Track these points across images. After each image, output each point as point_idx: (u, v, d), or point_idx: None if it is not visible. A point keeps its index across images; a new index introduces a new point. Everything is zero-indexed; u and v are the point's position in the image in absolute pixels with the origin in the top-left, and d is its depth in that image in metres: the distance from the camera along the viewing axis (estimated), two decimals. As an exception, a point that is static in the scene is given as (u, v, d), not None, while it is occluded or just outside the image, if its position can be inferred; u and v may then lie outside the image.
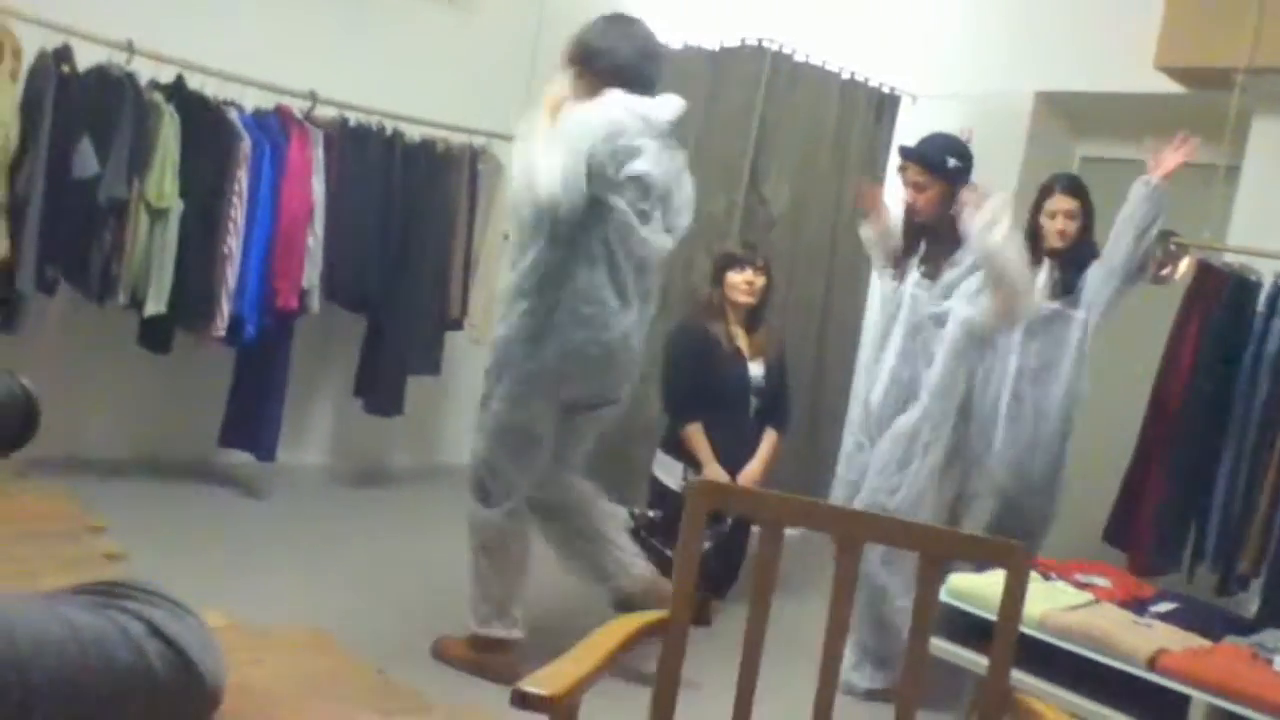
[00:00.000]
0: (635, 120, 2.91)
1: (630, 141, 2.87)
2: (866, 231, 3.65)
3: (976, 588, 2.81)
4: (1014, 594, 1.59)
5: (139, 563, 3.21)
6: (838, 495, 3.44)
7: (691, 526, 1.67)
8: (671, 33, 5.19)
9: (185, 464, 4.47)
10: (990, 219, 3.12)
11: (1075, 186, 3.85)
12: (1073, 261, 3.76)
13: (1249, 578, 3.72)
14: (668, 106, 3.01)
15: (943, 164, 3.29)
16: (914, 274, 3.35)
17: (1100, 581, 3.18)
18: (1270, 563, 3.59)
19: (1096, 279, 3.69)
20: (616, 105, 2.91)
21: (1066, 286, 3.73)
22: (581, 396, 3.05)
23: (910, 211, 3.39)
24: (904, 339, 3.32)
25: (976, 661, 2.75)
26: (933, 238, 3.34)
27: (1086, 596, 2.99)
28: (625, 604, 3.22)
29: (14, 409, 0.94)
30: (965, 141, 3.58)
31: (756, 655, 1.66)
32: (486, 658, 3.06)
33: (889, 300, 3.44)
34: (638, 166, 2.87)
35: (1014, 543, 1.58)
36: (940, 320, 3.25)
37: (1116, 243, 3.65)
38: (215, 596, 0.83)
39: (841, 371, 5.18)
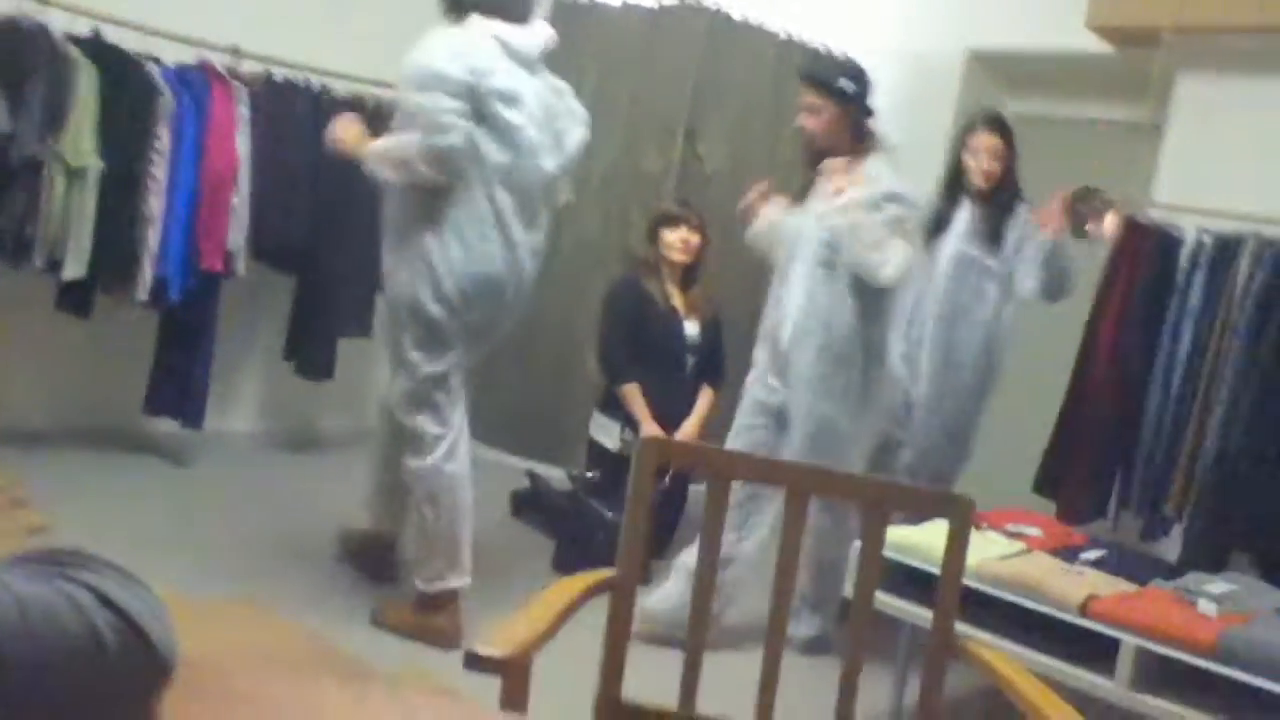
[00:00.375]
0: (491, 45, 2.84)
1: (484, 64, 2.81)
2: (755, 230, 3.45)
3: (913, 540, 2.85)
4: (957, 545, 1.61)
5: (64, 535, 3.14)
6: (738, 444, 3.28)
7: (641, 483, 1.66)
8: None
9: (110, 432, 4.35)
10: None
11: (999, 124, 3.74)
12: (997, 205, 3.65)
13: (1172, 523, 3.84)
14: (534, 34, 2.95)
15: (833, 85, 3.22)
16: (816, 205, 3.22)
17: (1031, 531, 3.24)
18: (1191, 508, 3.71)
19: (1020, 259, 3.60)
20: (469, 31, 2.86)
21: (989, 234, 3.62)
22: (480, 325, 2.99)
23: (807, 138, 3.29)
24: (806, 276, 3.22)
25: (916, 613, 2.80)
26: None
27: (1019, 546, 3.05)
28: (355, 540, 3.37)
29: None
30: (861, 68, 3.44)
31: (706, 606, 1.66)
32: (429, 619, 3.02)
33: (790, 234, 3.30)
34: (496, 84, 2.82)
35: (957, 494, 1.60)
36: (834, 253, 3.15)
37: (1023, 281, 3.58)
38: (147, 569, 0.81)
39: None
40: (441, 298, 2.87)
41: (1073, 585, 2.75)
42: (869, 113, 3.28)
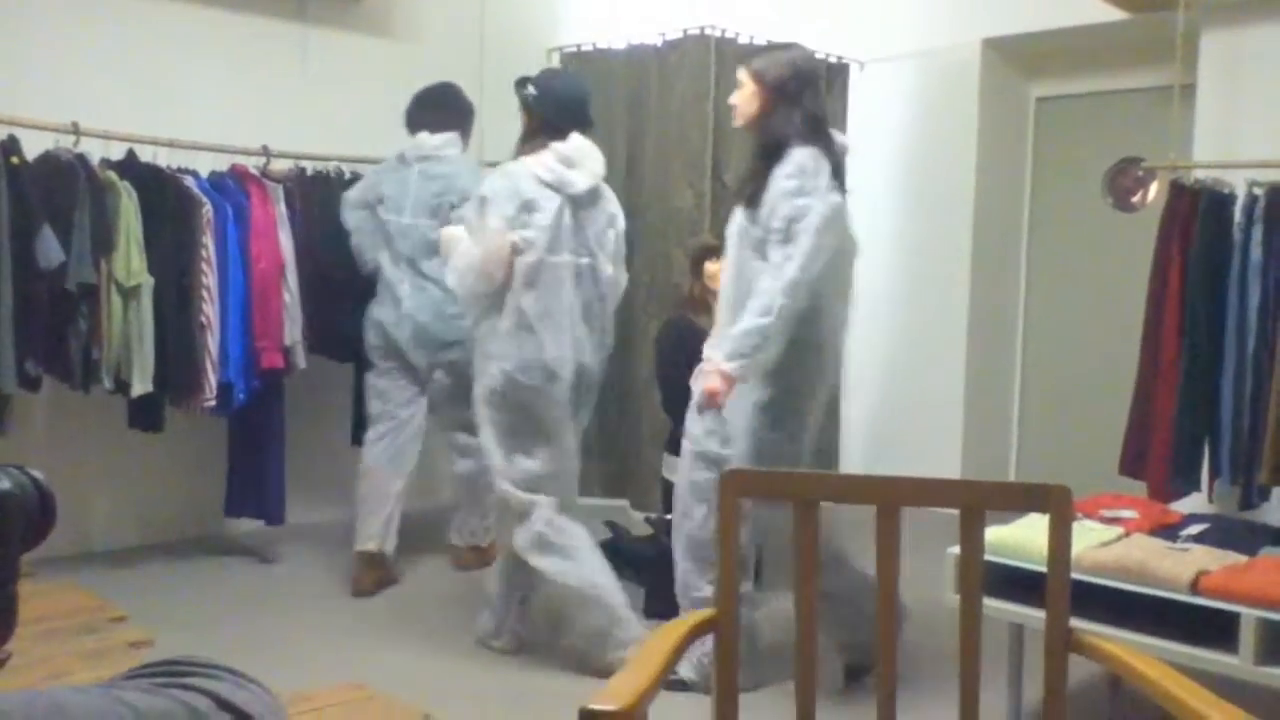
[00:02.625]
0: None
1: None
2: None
3: (1007, 539, 2.80)
4: (1060, 537, 1.57)
5: (165, 646, 3.17)
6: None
7: (727, 517, 1.64)
8: (615, 33, 5.19)
9: (195, 539, 4.42)
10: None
11: (747, 59, 3.15)
12: (759, 155, 3.05)
13: (1269, 487, 3.72)
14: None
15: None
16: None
17: (1127, 514, 3.16)
18: (1288, 469, 3.59)
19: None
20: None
21: (750, 196, 3.00)
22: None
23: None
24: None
25: (1020, 613, 2.74)
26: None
27: (1116, 531, 2.98)
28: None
29: (29, 502, 0.90)
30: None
31: (811, 638, 1.64)
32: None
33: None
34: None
35: (1053, 485, 1.56)
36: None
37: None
38: (247, 666, 0.82)
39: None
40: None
41: (1179, 564, 2.67)
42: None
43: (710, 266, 3.93)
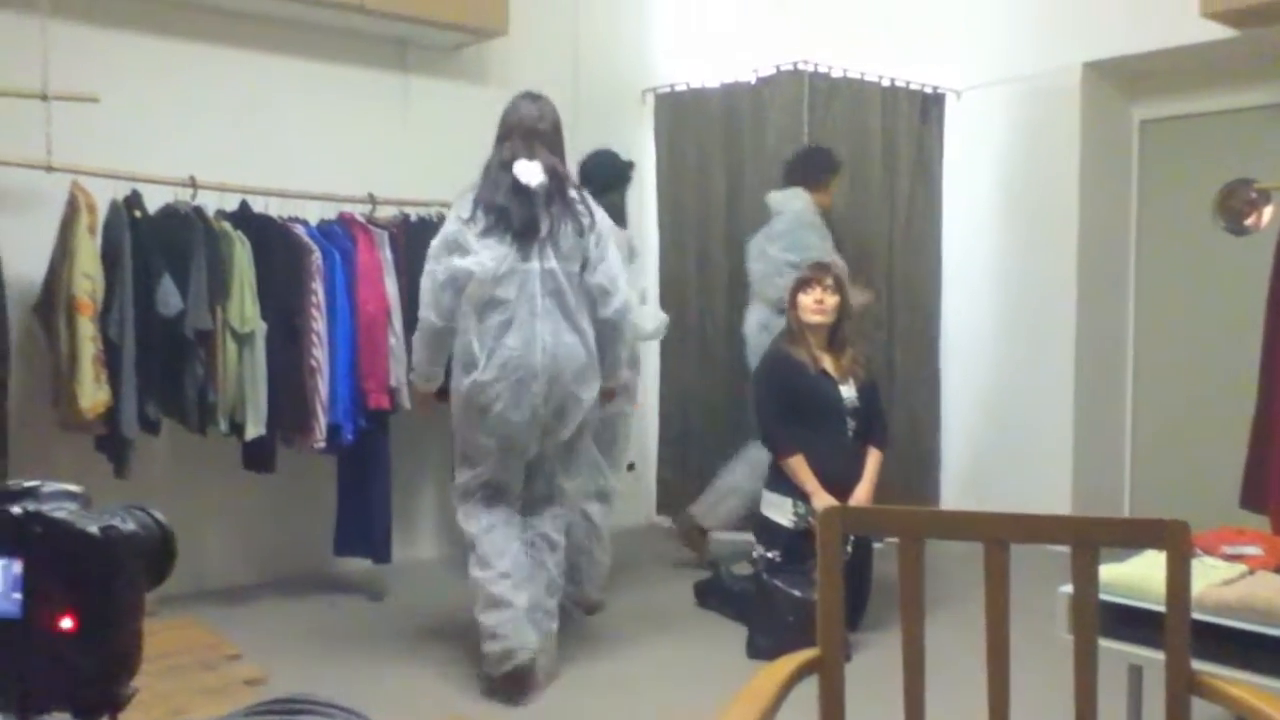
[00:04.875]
0: None
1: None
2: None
3: (1123, 576, 2.71)
4: (1179, 574, 1.52)
5: (279, 682, 3.26)
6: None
7: (829, 554, 1.63)
8: (707, 71, 5.24)
9: (306, 577, 4.52)
10: None
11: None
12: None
13: (1404, 519, 3.54)
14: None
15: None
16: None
17: (1250, 550, 3.03)
18: None
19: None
20: None
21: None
22: None
23: None
24: None
25: (1138, 653, 2.64)
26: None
27: (1240, 568, 2.85)
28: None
29: (153, 542, 0.95)
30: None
31: (920, 677, 1.60)
32: None
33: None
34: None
35: (1172, 520, 1.51)
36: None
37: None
38: (356, 703, 0.84)
39: (918, 370, 5.17)
40: None
41: (1308, 601, 2.55)
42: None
43: (802, 298, 3.92)
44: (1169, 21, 4.47)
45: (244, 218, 4.07)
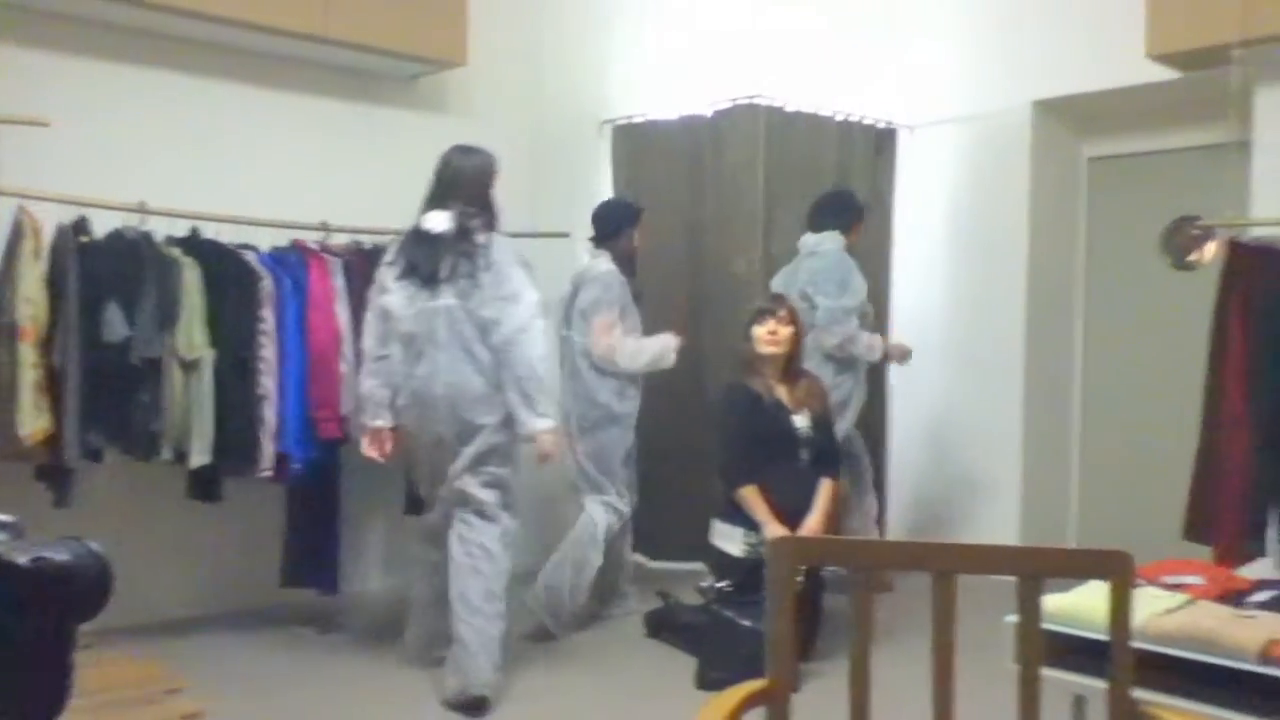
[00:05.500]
0: None
1: None
2: None
3: (1067, 606, 2.73)
4: (1122, 604, 1.53)
5: (220, 717, 3.19)
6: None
7: (780, 585, 1.63)
8: (665, 104, 5.28)
9: (252, 610, 4.45)
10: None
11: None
12: None
13: (1342, 551, 3.61)
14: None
15: None
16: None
17: (1192, 580, 3.07)
18: (1361, 532, 3.49)
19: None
20: None
21: None
22: None
23: None
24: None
25: (1081, 682, 2.66)
26: None
27: (1182, 598, 2.89)
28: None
29: (88, 573, 0.92)
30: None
31: (865, 703, 1.61)
32: None
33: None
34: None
35: (1116, 551, 1.53)
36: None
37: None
38: None
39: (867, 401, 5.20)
40: None
41: (1248, 631, 2.59)
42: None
43: (757, 329, 3.94)
44: (1117, 63, 4.57)
45: (194, 244, 4.03)
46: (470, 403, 3.53)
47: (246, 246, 4.16)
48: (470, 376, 3.52)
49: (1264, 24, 3.82)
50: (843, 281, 4.50)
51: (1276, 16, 3.81)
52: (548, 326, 3.73)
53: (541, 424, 3.53)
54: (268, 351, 4.01)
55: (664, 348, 4.38)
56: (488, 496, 3.59)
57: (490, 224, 3.62)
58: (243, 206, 4.24)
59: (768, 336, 3.91)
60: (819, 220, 4.64)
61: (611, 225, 4.44)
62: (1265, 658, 2.50)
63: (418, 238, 3.63)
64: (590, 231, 4.51)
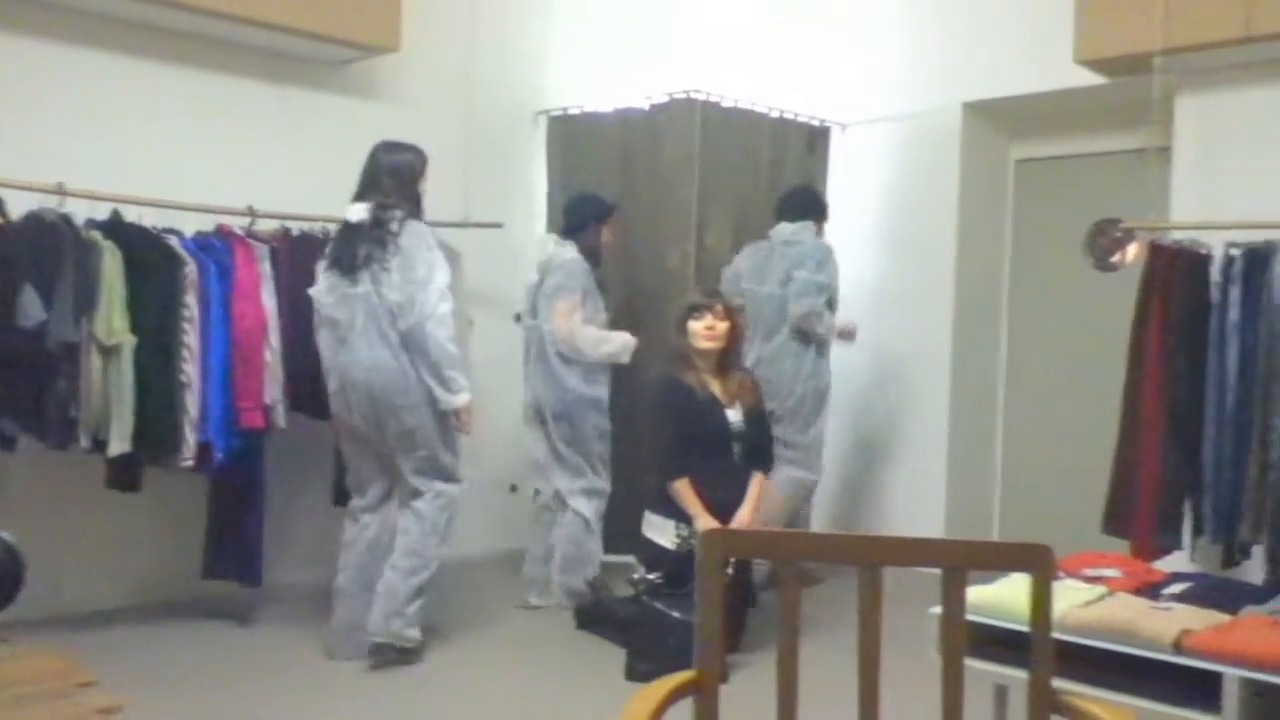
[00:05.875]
0: None
1: None
2: None
3: (990, 598, 2.78)
4: (1042, 596, 1.56)
5: (137, 712, 3.11)
6: None
7: (709, 577, 1.63)
8: (601, 97, 5.26)
9: (172, 602, 4.36)
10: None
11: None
12: None
13: (1250, 545, 3.72)
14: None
15: None
16: None
17: (1110, 572, 3.15)
18: (1270, 527, 3.60)
19: None
20: None
21: None
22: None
23: None
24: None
25: (1003, 673, 2.71)
26: None
27: (1100, 590, 2.96)
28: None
29: None
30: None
31: (793, 695, 1.62)
32: None
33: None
34: None
35: (1037, 545, 1.56)
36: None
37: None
38: None
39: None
40: None
41: (1163, 623, 2.66)
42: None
43: (693, 324, 3.95)
44: (1045, 67, 4.66)
45: (115, 227, 3.92)
46: (388, 386, 3.66)
47: (170, 231, 4.06)
48: (387, 361, 3.65)
49: (1185, 34, 3.93)
50: (821, 261, 4.68)
51: (1196, 27, 3.91)
52: (457, 308, 3.86)
53: (457, 400, 3.71)
54: (191, 338, 3.92)
55: (625, 345, 4.46)
56: (417, 476, 3.74)
57: (410, 215, 3.72)
58: (167, 190, 4.14)
59: (705, 332, 3.93)
60: (793, 211, 4.79)
61: (580, 218, 4.53)
62: (1179, 648, 2.57)
63: (342, 229, 3.81)
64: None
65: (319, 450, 4.63)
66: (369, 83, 5.04)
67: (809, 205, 4.84)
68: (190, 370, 3.91)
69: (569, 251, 4.46)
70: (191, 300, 3.93)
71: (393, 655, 3.69)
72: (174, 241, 4.00)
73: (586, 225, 4.52)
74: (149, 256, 3.92)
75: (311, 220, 4.49)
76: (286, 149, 4.74)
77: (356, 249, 3.69)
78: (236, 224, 4.26)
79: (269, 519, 4.29)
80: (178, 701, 3.33)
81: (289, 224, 4.43)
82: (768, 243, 4.79)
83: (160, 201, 4.08)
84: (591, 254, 4.50)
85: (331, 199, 4.67)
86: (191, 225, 4.16)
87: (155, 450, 3.91)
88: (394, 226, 3.67)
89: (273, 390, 4.11)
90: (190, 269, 3.94)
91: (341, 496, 4.64)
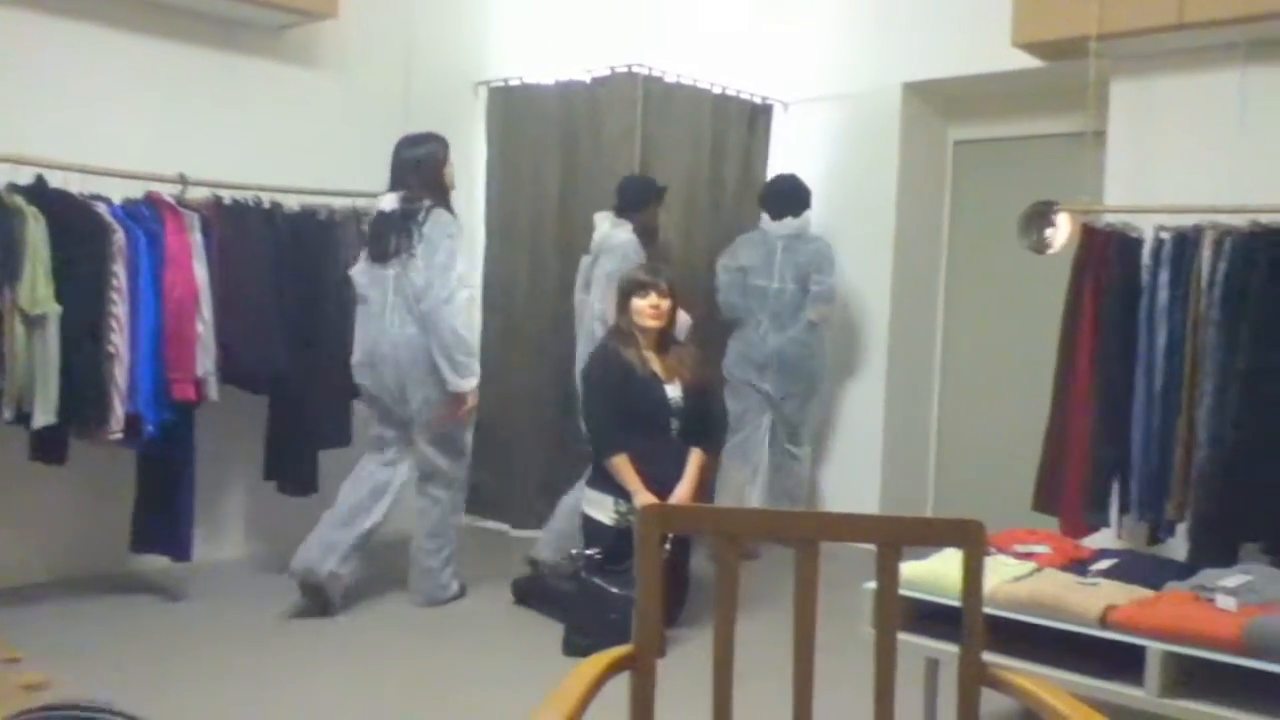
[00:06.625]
0: None
1: None
2: None
3: (923, 573, 2.83)
4: (973, 572, 1.58)
5: (64, 689, 3.05)
6: None
7: (647, 553, 1.63)
8: (543, 69, 5.21)
9: (99, 576, 4.27)
10: None
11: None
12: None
13: (1175, 523, 3.82)
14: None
15: None
16: None
17: (1040, 549, 3.21)
18: (1193, 505, 3.69)
19: None
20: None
21: None
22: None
23: None
24: None
25: (935, 647, 2.76)
26: None
27: (1030, 566, 3.03)
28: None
29: None
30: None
31: (728, 669, 1.62)
32: None
33: None
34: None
35: (968, 520, 1.58)
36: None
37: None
38: (149, 709, 0.78)
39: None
40: None
41: (1089, 598, 2.73)
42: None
43: (637, 301, 3.94)
44: (984, 49, 4.70)
45: (39, 193, 3.80)
46: (413, 360, 3.97)
47: (97, 198, 3.95)
48: (415, 337, 3.97)
49: (1119, 20, 3.98)
50: (833, 262, 5.00)
51: (1131, 13, 3.97)
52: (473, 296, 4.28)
53: (464, 384, 3.97)
54: (119, 309, 3.82)
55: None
56: (430, 447, 4.08)
57: (437, 204, 3.99)
58: (94, 155, 4.02)
59: (650, 310, 3.92)
60: (791, 205, 4.97)
61: (640, 198, 4.57)
62: (1105, 623, 2.64)
63: (376, 217, 4.11)
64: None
65: (252, 424, 4.56)
66: (306, 50, 4.94)
67: (805, 197, 5.01)
68: (118, 341, 3.81)
69: (624, 232, 4.49)
70: (119, 269, 3.83)
71: (305, 588, 4.03)
72: (102, 209, 3.89)
73: (646, 204, 4.58)
74: (75, 224, 3.81)
75: (245, 189, 4.40)
76: (220, 116, 4.63)
77: (388, 239, 3.99)
78: (167, 191, 4.16)
79: (199, 493, 4.21)
80: (108, 677, 3.27)
81: (221, 193, 4.33)
82: (760, 234, 4.96)
83: (88, 167, 3.96)
84: (647, 233, 4.57)
85: (266, 168, 4.59)
86: (120, 192, 4.05)
87: (82, 423, 3.81)
88: (420, 217, 3.94)
89: (205, 362, 4.03)
90: (118, 237, 3.84)
91: (273, 471, 4.58)
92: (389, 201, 4.06)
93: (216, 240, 4.16)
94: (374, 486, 4.12)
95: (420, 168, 4.05)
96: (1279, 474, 3.53)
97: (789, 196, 4.99)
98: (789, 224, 4.94)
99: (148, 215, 4.00)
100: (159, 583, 4.25)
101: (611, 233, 4.50)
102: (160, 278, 3.94)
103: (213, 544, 4.60)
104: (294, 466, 4.52)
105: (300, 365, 4.42)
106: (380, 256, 4.01)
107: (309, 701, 3.23)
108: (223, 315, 4.11)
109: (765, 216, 5.00)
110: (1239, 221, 3.69)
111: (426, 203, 3.97)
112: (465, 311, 3.99)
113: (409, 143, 4.13)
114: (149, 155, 4.22)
